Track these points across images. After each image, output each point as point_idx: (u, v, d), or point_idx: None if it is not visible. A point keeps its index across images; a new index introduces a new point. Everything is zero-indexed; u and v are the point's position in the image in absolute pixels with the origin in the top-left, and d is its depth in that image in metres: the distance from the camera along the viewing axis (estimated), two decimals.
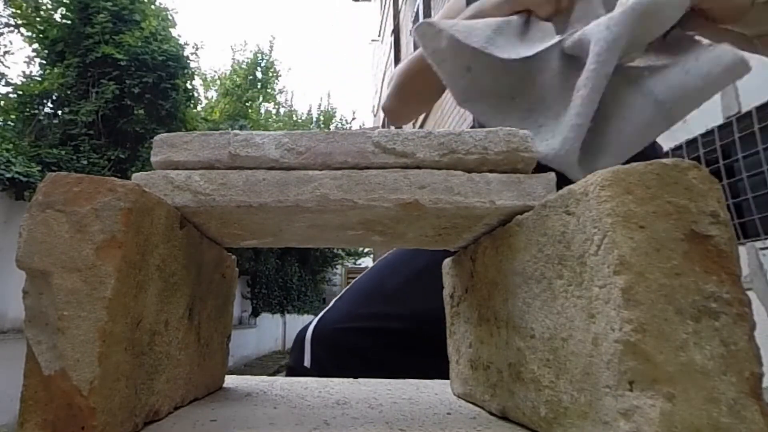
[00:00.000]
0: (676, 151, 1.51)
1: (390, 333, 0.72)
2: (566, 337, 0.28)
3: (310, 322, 0.79)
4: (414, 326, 0.72)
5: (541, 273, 0.31)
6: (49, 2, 6.38)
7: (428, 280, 0.71)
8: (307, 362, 0.74)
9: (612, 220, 0.24)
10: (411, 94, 0.82)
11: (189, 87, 6.22)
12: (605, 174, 0.25)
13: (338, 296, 0.82)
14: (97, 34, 6.04)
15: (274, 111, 11.45)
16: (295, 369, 0.75)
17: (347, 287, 0.84)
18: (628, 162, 0.29)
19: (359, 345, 0.73)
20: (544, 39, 0.50)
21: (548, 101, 0.50)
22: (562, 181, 0.36)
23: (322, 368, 0.72)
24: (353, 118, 14.83)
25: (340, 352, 0.73)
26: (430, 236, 0.44)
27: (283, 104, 12.13)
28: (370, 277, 0.82)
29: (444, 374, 0.68)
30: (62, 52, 6.18)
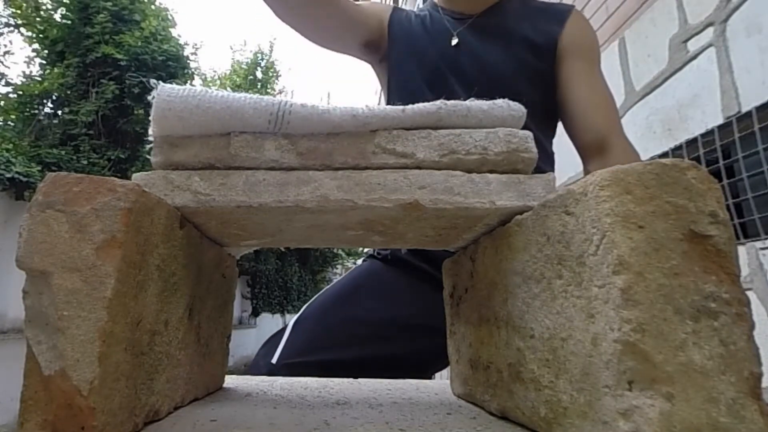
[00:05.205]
0: (676, 151, 1.51)
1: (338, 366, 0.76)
2: (566, 337, 0.28)
3: (268, 357, 0.82)
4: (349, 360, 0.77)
5: (541, 273, 0.31)
6: (49, 2, 6.38)
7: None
8: None
9: (611, 220, 0.24)
10: None
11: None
12: (604, 174, 0.25)
13: (292, 329, 0.86)
14: (97, 34, 6.04)
15: None
16: None
17: (299, 318, 0.87)
18: None
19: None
20: None
21: None
22: None
23: None
24: None
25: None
26: (430, 236, 0.44)
27: None
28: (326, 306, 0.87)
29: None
30: (62, 52, 6.19)
